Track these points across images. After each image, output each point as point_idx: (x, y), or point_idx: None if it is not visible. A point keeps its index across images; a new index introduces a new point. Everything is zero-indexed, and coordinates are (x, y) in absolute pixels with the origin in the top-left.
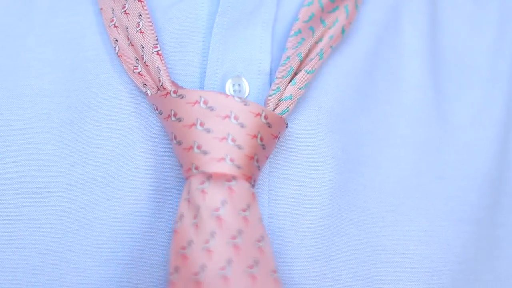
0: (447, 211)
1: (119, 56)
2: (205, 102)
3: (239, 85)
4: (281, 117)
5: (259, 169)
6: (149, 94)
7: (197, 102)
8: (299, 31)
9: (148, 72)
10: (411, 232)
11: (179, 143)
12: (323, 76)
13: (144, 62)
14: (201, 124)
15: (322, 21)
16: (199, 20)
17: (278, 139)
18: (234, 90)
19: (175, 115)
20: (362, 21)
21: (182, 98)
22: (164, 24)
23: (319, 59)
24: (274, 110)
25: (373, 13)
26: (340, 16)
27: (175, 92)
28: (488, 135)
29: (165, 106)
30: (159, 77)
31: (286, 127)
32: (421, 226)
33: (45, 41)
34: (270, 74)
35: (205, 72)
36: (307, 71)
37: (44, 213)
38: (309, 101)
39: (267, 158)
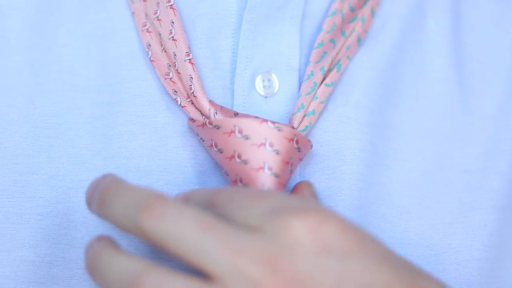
0: (471, 202)
1: (151, 61)
2: (240, 131)
3: (269, 80)
4: (309, 141)
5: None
6: (179, 102)
7: (232, 132)
8: (322, 43)
9: (180, 79)
10: (436, 226)
11: (226, 174)
12: (349, 70)
13: (176, 69)
14: (239, 156)
15: (342, 32)
16: (228, 16)
17: (302, 160)
18: (264, 86)
19: (216, 145)
20: (387, 17)
21: (218, 128)
22: (194, 20)
23: (337, 71)
24: (298, 127)
25: (398, 9)
26: (356, 26)
27: (210, 123)
28: (511, 123)
29: (205, 135)
30: (190, 85)
31: (311, 148)
32: (445, 220)
33: (76, 36)
34: (299, 70)
35: (235, 68)
36: (326, 85)
37: (78, 208)
38: (336, 95)
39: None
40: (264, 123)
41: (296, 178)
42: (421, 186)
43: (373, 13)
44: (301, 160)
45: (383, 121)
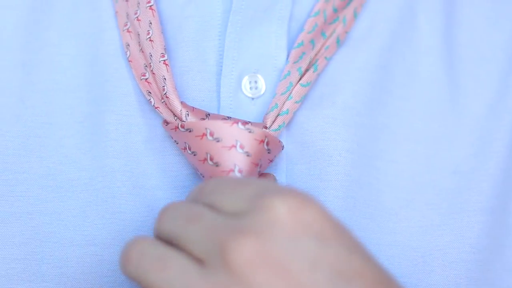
0: (460, 204)
1: (129, 61)
2: (211, 134)
3: (256, 82)
4: (279, 142)
5: None
6: (152, 103)
7: (204, 134)
8: (302, 43)
9: (155, 80)
10: (424, 228)
11: (202, 176)
12: (337, 72)
13: (151, 70)
14: (211, 159)
15: (323, 33)
16: (214, 18)
17: (272, 161)
18: (250, 87)
19: (189, 148)
20: (376, 18)
21: (190, 131)
22: (181, 22)
23: (313, 71)
24: (271, 126)
25: (387, 10)
26: (337, 27)
27: (182, 126)
28: (501, 124)
29: (179, 138)
30: (163, 86)
31: (282, 149)
32: (434, 222)
33: (67, 35)
34: None
35: (221, 70)
36: (302, 85)
37: (68, 207)
38: (324, 96)
39: None
40: (235, 124)
41: (282, 179)
42: (410, 187)
43: (355, 14)
44: (271, 161)
45: (372, 122)
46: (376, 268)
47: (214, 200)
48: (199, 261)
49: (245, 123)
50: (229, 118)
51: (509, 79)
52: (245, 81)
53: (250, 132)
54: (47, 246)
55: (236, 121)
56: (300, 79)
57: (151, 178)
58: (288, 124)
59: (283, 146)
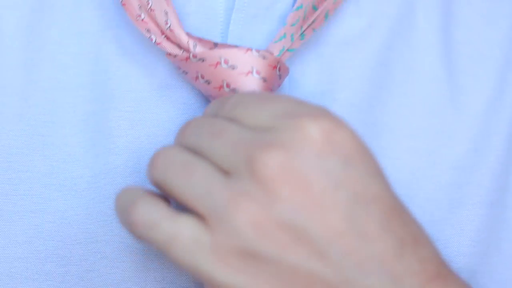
0: (460, 198)
1: (123, 4)
2: (226, 62)
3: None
4: (287, 67)
5: None
6: (154, 40)
7: (218, 63)
8: (284, 36)
9: (152, 18)
10: (425, 223)
11: (210, 97)
12: (337, 69)
13: (149, 8)
14: (227, 86)
15: (313, 7)
16: (217, 15)
17: (280, 87)
18: None
19: (202, 77)
20: (375, 16)
21: (203, 61)
22: (183, 19)
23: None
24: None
25: (387, 8)
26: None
27: (194, 56)
28: (500, 118)
29: (189, 68)
30: (166, 20)
31: (288, 73)
32: (434, 217)
33: (69, 34)
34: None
35: None
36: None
37: (71, 205)
38: (325, 93)
39: None
40: (249, 52)
41: None
42: (410, 183)
43: (326, 16)
44: (279, 86)
45: (372, 119)
46: (393, 195)
47: (237, 114)
48: (224, 171)
49: (258, 50)
50: (241, 47)
51: (507, 75)
52: None
53: (264, 58)
54: (50, 245)
55: (250, 48)
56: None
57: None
58: None
59: (289, 71)
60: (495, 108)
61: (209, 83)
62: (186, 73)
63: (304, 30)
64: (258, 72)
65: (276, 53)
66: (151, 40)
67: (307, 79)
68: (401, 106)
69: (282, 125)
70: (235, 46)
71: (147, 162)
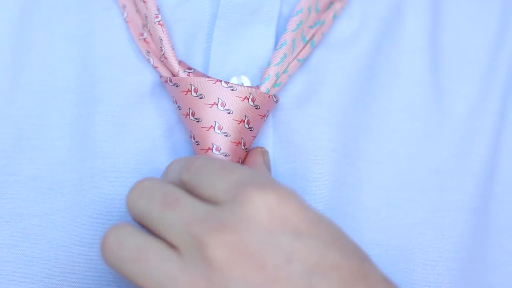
0: (442, 202)
1: (127, 22)
2: (195, 91)
3: (242, 83)
4: (269, 96)
5: (246, 151)
6: (152, 62)
7: (188, 90)
8: (285, 43)
9: (153, 39)
10: (406, 226)
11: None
12: (324, 71)
13: (149, 31)
14: (193, 114)
15: (303, 37)
16: (203, 21)
17: (267, 116)
18: None
19: (176, 102)
20: (365, 18)
21: (177, 87)
22: (172, 26)
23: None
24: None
25: (377, 10)
26: (317, 32)
27: (170, 80)
28: (484, 124)
29: (170, 93)
30: (160, 47)
31: (277, 102)
32: (415, 219)
33: (57, 37)
34: None
35: (207, 73)
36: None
37: (57, 208)
38: (311, 95)
39: (254, 137)
40: (218, 83)
41: None
42: (392, 187)
43: (334, 16)
44: (264, 116)
45: (356, 122)
46: (354, 260)
47: (197, 179)
48: (175, 247)
49: (227, 82)
50: (212, 78)
51: (492, 80)
52: (234, 81)
53: (232, 90)
54: (37, 248)
55: (220, 80)
56: (275, 82)
57: (139, 177)
58: (275, 124)
59: (277, 100)
60: (478, 114)
61: (180, 109)
62: (173, 97)
63: (294, 58)
64: (222, 104)
65: (264, 90)
66: (150, 62)
67: (294, 81)
68: (384, 109)
69: (231, 198)
70: (208, 77)
71: (134, 166)
